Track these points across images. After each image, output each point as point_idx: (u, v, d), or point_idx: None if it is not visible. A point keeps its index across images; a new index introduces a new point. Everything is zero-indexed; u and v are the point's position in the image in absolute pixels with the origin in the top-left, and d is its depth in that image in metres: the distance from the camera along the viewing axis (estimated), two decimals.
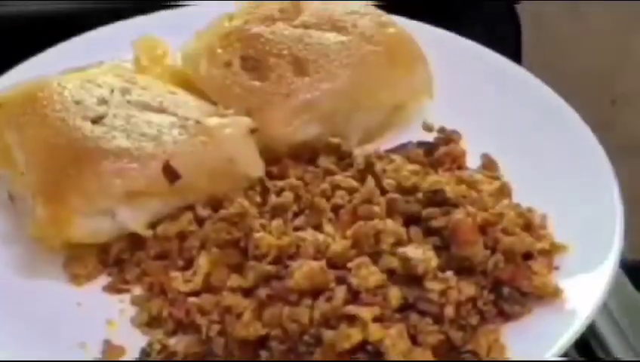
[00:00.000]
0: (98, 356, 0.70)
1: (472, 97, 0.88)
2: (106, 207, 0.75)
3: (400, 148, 0.84)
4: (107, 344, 0.71)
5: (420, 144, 0.84)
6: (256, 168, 0.79)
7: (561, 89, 0.87)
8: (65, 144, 0.76)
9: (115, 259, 0.77)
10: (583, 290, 0.72)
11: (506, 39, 0.93)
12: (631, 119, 1.35)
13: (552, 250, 0.75)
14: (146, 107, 0.80)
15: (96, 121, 0.78)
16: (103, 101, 0.80)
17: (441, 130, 0.86)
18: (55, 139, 0.76)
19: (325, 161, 0.81)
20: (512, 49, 0.93)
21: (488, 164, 0.83)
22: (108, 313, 0.73)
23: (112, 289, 0.76)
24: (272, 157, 0.82)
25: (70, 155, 0.75)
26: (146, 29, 0.92)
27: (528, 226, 0.76)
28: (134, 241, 0.77)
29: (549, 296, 0.71)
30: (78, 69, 0.85)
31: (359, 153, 0.80)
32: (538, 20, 1.27)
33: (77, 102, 0.79)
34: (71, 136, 0.76)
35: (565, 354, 0.84)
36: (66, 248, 0.76)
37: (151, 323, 0.72)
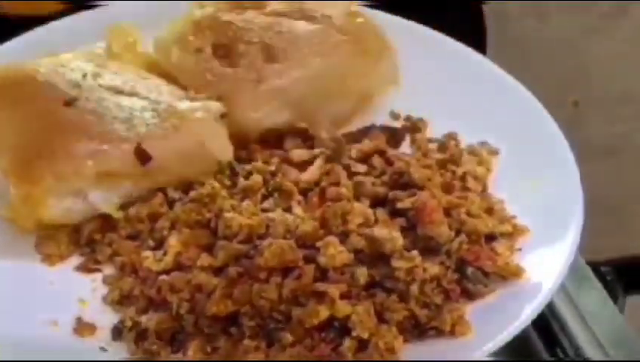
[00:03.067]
0: (70, 333, 0.71)
1: (436, 85, 0.90)
2: (79, 188, 0.76)
3: (363, 132, 0.86)
4: (79, 321, 0.72)
5: (384, 128, 0.86)
6: (225, 152, 0.81)
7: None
8: (38, 126, 0.77)
9: (87, 239, 0.78)
10: (543, 271, 0.74)
11: (469, 39, 0.95)
12: (593, 121, 1.38)
13: (514, 232, 0.77)
14: (117, 91, 0.81)
15: (69, 103, 0.79)
16: (75, 84, 0.80)
17: (407, 118, 0.88)
18: (28, 121, 0.77)
19: (291, 144, 0.83)
20: (476, 49, 0.95)
21: None
22: (79, 292, 0.74)
23: (83, 269, 0.76)
24: (241, 141, 0.83)
25: (43, 136, 0.76)
26: (115, 17, 0.93)
27: (490, 210, 0.78)
28: (106, 222, 0.78)
29: (511, 275, 0.74)
30: (50, 55, 0.85)
31: (326, 137, 0.82)
32: (502, 21, 1.29)
33: (51, 85, 0.80)
34: (44, 117, 0.77)
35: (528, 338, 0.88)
36: (38, 228, 0.77)
37: (122, 301, 0.73)
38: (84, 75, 0.82)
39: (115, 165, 0.76)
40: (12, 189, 0.75)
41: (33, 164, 0.75)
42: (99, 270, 0.76)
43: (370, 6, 0.95)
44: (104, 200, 0.77)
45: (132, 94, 0.81)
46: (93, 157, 0.76)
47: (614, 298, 0.93)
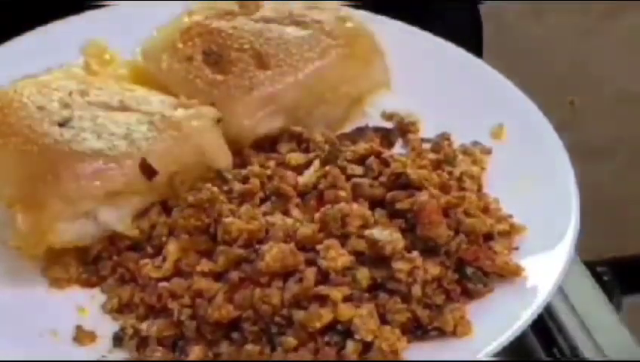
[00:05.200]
0: (70, 342, 0.71)
1: (428, 86, 0.90)
2: (88, 209, 0.75)
3: (357, 133, 0.86)
4: (78, 330, 0.71)
5: (377, 129, 0.86)
6: (224, 159, 0.80)
7: (521, 89, 0.90)
8: (37, 150, 0.75)
9: (94, 257, 0.77)
10: (542, 269, 0.74)
11: (467, 39, 0.96)
12: (589, 121, 1.39)
13: (512, 231, 0.77)
14: (108, 107, 0.80)
15: (63, 124, 0.77)
16: (65, 104, 0.79)
17: (400, 118, 0.88)
18: (26, 147, 0.76)
19: (285, 148, 0.82)
20: (473, 49, 0.96)
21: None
22: (78, 300, 0.74)
23: (86, 283, 0.76)
24: (235, 148, 0.83)
25: (45, 161, 0.75)
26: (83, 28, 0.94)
27: (487, 209, 0.78)
28: (113, 239, 0.77)
29: (511, 275, 0.74)
30: (28, 77, 0.84)
31: (320, 139, 0.82)
32: (499, 20, 1.30)
33: (40, 108, 0.78)
34: (42, 141, 0.76)
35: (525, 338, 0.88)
36: (45, 253, 0.75)
37: (121, 309, 0.73)
38: (70, 94, 0.81)
39: (121, 183, 0.75)
40: (20, 218, 0.73)
41: (39, 190, 0.74)
42: (100, 283, 0.76)
43: (361, 6, 0.95)
44: (116, 219, 0.76)
45: (124, 108, 0.80)
46: (99, 177, 0.75)
47: (611, 298, 0.94)
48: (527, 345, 0.90)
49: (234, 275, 0.70)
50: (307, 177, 0.77)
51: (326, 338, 0.68)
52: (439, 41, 0.95)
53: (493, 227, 0.76)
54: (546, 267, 0.74)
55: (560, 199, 0.79)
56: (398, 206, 0.74)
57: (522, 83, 0.89)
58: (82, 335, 0.71)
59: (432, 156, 0.82)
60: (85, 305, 0.73)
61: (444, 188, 0.76)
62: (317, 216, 0.73)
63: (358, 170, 0.78)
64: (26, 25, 0.95)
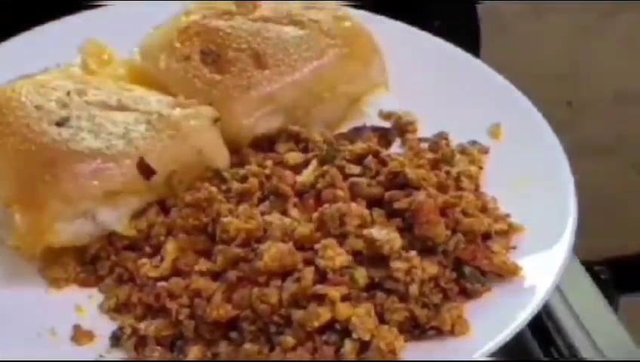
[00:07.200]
0: (68, 342, 0.71)
1: (426, 85, 0.90)
2: (86, 209, 0.75)
3: (355, 133, 0.86)
4: (77, 329, 0.71)
5: (375, 129, 0.87)
6: (222, 158, 0.80)
7: (519, 88, 0.90)
8: (35, 150, 0.75)
9: (92, 257, 0.77)
10: (539, 269, 0.74)
11: (465, 39, 0.96)
12: (587, 121, 1.39)
13: (509, 231, 0.77)
14: (106, 106, 0.80)
15: (61, 123, 0.78)
16: (63, 104, 0.79)
17: (398, 118, 0.88)
18: (24, 146, 0.76)
19: (283, 147, 0.83)
20: (471, 49, 0.96)
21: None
22: (76, 300, 0.74)
23: (84, 283, 0.76)
24: (233, 148, 0.83)
25: (43, 161, 0.75)
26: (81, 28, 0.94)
27: (485, 208, 0.78)
28: (111, 239, 0.77)
29: (508, 274, 0.74)
30: (25, 77, 0.84)
31: (318, 139, 0.82)
32: (498, 20, 1.30)
33: (38, 107, 0.78)
34: (40, 141, 0.76)
35: (523, 337, 0.88)
36: (43, 253, 0.75)
37: (119, 309, 0.73)
38: (68, 93, 0.81)
39: (120, 182, 0.75)
40: (18, 218, 0.73)
41: (37, 190, 0.74)
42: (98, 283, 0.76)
43: (360, 6, 0.95)
44: (114, 219, 0.76)
45: (121, 108, 0.80)
46: (97, 176, 0.75)
47: (608, 297, 0.94)
48: (524, 344, 0.90)
49: (232, 275, 0.70)
50: (305, 177, 0.78)
51: (324, 338, 0.68)
52: (438, 41, 0.95)
53: (491, 226, 0.76)
54: (543, 266, 0.75)
55: (558, 198, 0.79)
56: (396, 205, 0.74)
57: (521, 82, 0.90)
58: (80, 335, 0.71)
59: (429, 155, 0.82)
60: (83, 304, 0.74)
61: (441, 188, 0.77)
62: (315, 215, 0.73)
63: (356, 169, 0.78)
64: (22, 25, 0.95)
